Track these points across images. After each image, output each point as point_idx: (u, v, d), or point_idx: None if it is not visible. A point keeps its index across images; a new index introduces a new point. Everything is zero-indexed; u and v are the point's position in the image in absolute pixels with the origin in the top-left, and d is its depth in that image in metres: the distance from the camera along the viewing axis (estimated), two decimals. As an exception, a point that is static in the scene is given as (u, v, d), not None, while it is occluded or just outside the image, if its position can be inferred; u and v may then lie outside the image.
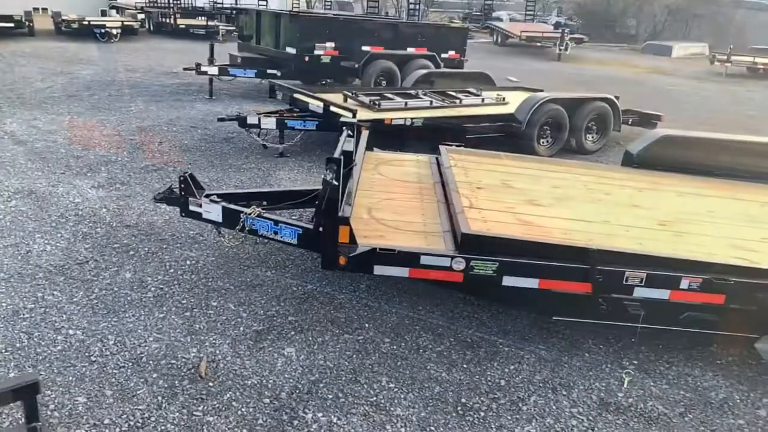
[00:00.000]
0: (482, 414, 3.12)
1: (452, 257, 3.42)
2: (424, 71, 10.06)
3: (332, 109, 7.18)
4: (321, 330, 3.78)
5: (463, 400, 3.21)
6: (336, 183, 3.17)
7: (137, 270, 4.39)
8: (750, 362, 3.66)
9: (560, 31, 24.00)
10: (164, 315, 3.82)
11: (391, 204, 4.25)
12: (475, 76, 10.47)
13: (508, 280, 3.45)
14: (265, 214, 4.22)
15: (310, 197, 4.64)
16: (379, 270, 3.46)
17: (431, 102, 8.34)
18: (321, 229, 3.56)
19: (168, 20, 22.70)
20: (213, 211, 4.36)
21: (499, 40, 26.82)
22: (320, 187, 5.04)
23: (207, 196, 4.45)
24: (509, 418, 3.10)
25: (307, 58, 10.98)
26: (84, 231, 4.98)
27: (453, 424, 3.03)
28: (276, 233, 4.15)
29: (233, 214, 4.28)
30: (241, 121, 7.24)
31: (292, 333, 3.73)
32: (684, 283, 3.41)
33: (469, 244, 3.42)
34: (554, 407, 3.20)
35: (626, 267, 3.36)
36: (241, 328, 3.74)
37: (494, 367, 3.51)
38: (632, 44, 33.90)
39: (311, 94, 7.73)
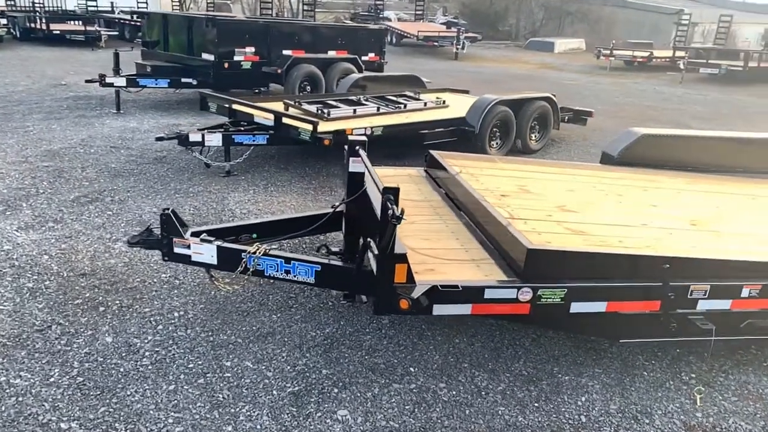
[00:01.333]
0: (579, 460, 2.83)
1: (519, 287, 3.09)
2: (359, 75, 9.66)
3: (285, 121, 6.60)
4: (365, 382, 3.30)
5: (553, 446, 2.90)
6: (400, 217, 2.71)
7: (118, 331, 3.65)
8: (791, 361, 3.67)
9: (456, 30, 24.48)
10: (174, 386, 3.16)
11: (415, 229, 3.85)
12: (405, 78, 10.22)
13: (576, 307, 3.18)
14: (273, 251, 3.66)
15: (315, 226, 4.13)
16: (439, 310, 3.05)
17: (378, 108, 7.97)
18: (376, 268, 3.07)
19: (38, 26, 20.42)
20: (206, 252, 3.72)
21: (394, 40, 26.89)
22: (319, 212, 4.59)
23: (195, 234, 3.80)
24: (608, 460, 2.84)
25: (226, 65, 10.18)
26: (29, 286, 4.10)
27: (556, 478, 2.71)
28: (288, 272, 3.61)
29: (232, 255, 3.68)
30: (182, 139, 6.44)
31: (335, 390, 3.22)
32: (745, 292, 3.33)
33: (535, 262, 3.10)
34: (644, 440, 2.98)
35: (697, 278, 3.22)
36: (274, 392, 3.18)
37: (566, 402, 3.23)
38: (516, 41, 35.53)
39: (255, 104, 7.08)
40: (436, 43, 24.64)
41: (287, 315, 3.95)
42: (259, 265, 3.64)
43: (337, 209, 4.05)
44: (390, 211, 2.68)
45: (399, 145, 7.63)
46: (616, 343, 3.63)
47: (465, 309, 3.10)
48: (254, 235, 4.23)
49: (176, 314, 3.88)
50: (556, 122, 8.92)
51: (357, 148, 3.79)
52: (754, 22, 31.80)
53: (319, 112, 7.33)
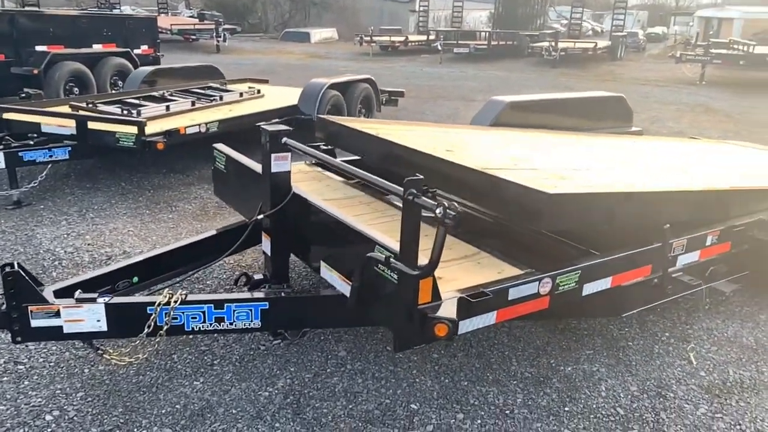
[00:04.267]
0: (648, 460, 2.47)
1: (539, 279, 2.60)
2: (149, 69, 8.15)
3: (93, 126, 5.12)
4: (374, 440, 2.52)
5: (633, 428, 2.50)
6: (457, 216, 1.97)
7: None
8: None
9: (214, 22, 22.93)
10: None
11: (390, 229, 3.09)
12: (202, 69, 8.99)
13: (588, 288, 2.81)
14: (193, 297, 2.64)
15: (234, 249, 3.13)
16: (464, 327, 2.39)
17: (192, 102, 6.78)
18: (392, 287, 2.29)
19: None
20: (88, 318, 2.55)
21: (142, 35, 24.23)
22: (212, 234, 3.50)
23: (60, 293, 2.58)
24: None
25: (-39, 67, 7.79)
26: None
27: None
28: (220, 321, 2.65)
29: (132, 313, 2.58)
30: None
31: (346, 463, 2.38)
32: (708, 240, 3.32)
33: (559, 210, 2.61)
34: (681, 412, 2.74)
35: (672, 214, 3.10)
36: (268, 493, 2.22)
37: (591, 396, 2.85)
38: (268, 33, 34.92)
39: (42, 110, 5.40)
40: (194, 37, 22.81)
41: (214, 377, 2.91)
42: (176, 319, 2.60)
43: (253, 222, 3.09)
44: (439, 211, 1.94)
45: (234, 141, 6.56)
46: (618, 317, 3.37)
47: (490, 319, 2.50)
48: (134, 280, 3.07)
49: (46, 419, 2.58)
50: (378, 104, 8.63)
51: (283, 140, 2.89)
52: (479, 9, 35.96)
53: (125, 112, 5.91)
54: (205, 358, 3.06)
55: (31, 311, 2.48)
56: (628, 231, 3.02)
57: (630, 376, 3.02)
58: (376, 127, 4.03)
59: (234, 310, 2.67)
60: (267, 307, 2.70)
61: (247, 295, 2.75)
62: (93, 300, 2.55)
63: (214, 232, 3.55)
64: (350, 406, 2.74)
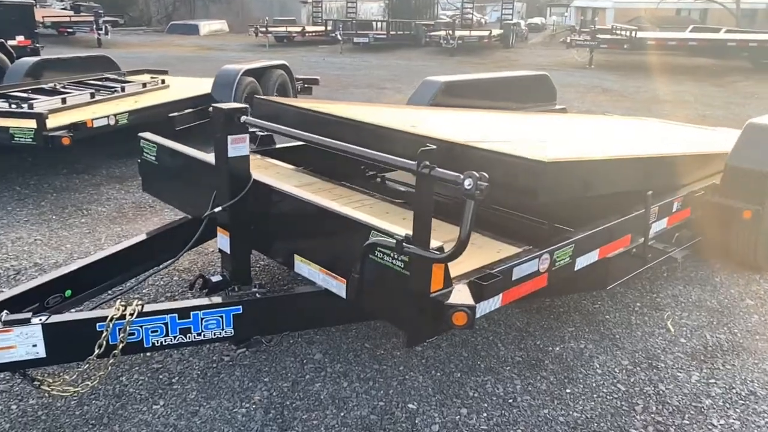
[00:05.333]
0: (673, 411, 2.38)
1: (539, 256, 2.44)
2: (36, 59, 7.23)
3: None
4: (379, 449, 2.24)
5: (638, 403, 2.38)
6: (482, 196, 1.70)
7: None
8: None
9: (93, 13, 21.13)
10: None
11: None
12: (95, 60, 8.13)
13: (580, 262, 2.69)
14: (151, 307, 2.25)
15: (190, 245, 2.73)
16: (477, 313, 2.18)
17: (92, 94, 6.06)
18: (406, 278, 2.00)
19: None
20: (21, 343, 2.10)
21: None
22: (145, 235, 3.03)
23: None
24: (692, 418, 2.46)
25: None
26: None
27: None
28: (186, 332, 2.28)
29: (78, 332, 2.16)
30: None
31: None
32: (675, 206, 3.33)
33: (554, 179, 2.44)
34: (677, 381, 2.69)
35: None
36: None
37: (588, 375, 2.73)
38: (152, 26, 32.91)
39: None
40: (70, 30, 20.90)
41: (176, 397, 2.50)
42: (133, 334, 2.19)
43: (207, 216, 2.69)
44: (469, 183, 1.68)
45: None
46: (604, 290, 3.27)
47: (496, 303, 2.31)
48: (67, 293, 2.59)
49: (-25, 473, 2.08)
50: (294, 92, 8.23)
51: (242, 118, 2.51)
52: (370, 0, 35.92)
53: (15, 107, 5.15)
54: (161, 376, 2.63)
55: (-57, 342, 1.98)
56: (598, 202, 2.94)
57: (618, 350, 2.95)
58: (321, 106, 3.72)
59: (202, 319, 2.29)
60: (240, 311, 2.34)
61: (216, 299, 2.37)
62: (26, 321, 2.08)
63: (147, 235, 3.08)
64: (342, 414, 2.44)
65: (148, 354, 2.73)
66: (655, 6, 31.46)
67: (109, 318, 2.14)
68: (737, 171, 3.54)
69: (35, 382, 2.20)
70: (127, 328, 2.17)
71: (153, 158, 3.30)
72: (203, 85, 7.17)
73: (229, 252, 2.70)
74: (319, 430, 2.34)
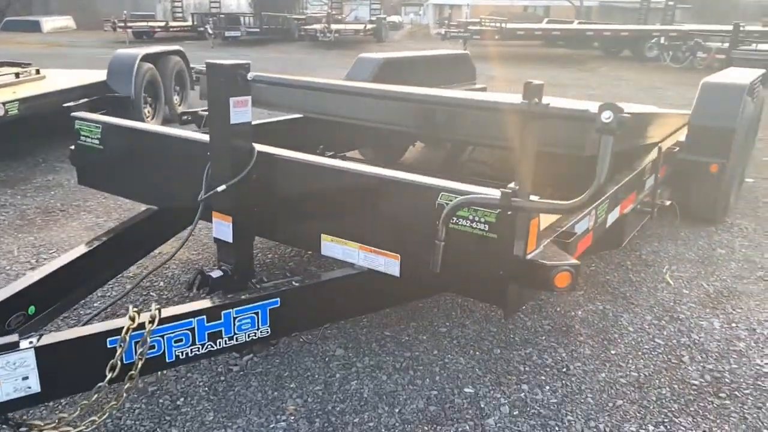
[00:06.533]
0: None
1: (589, 213, 2.29)
2: None
3: None
4: (459, 442, 1.95)
5: (683, 355, 2.31)
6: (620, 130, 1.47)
7: None
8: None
9: None
10: None
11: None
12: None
13: (610, 219, 2.59)
14: (171, 310, 1.82)
15: (183, 240, 2.26)
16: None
17: (-42, 86, 5.06)
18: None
19: None
20: (8, 377, 1.58)
21: None
22: (113, 231, 2.47)
23: None
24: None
25: None
26: None
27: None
28: (217, 337, 1.87)
29: (85, 354, 1.68)
30: None
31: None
32: (661, 161, 3.35)
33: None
34: (704, 329, 2.69)
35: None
36: None
37: (625, 334, 2.64)
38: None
39: None
40: None
41: (191, 421, 2.04)
42: (153, 347, 1.74)
43: (204, 199, 2.23)
44: (607, 116, 1.45)
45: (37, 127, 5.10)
46: (619, 248, 3.18)
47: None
48: (31, 310, 2.05)
49: None
50: (191, 81, 7.53)
51: (250, 75, 2.09)
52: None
53: None
54: (162, 401, 2.14)
55: None
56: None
57: (635, 307, 2.90)
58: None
59: (234, 318, 1.88)
60: (278, 304, 1.94)
61: (253, 294, 1.94)
62: (13, 346, 1.54)
63: (111, 234, 2.53)
64: (397, 410, 2.12)
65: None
66: (509, 3, 33.50)
67: (125, 330, 1.66)
68: (700, 128, 3.66)
69: (22, 429, 1.65)
70: (148, 340, 1.70)
71: (96, 142, 2.72)
72: (89, 76, 6.30)
73: (231, 241, 2.26)
74: (380, 432, 2.02)
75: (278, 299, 1.93)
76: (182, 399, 2.15)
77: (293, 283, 2.02)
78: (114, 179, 2.78)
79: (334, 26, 20.84)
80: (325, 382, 2.27)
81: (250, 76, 2.11)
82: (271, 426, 2.03)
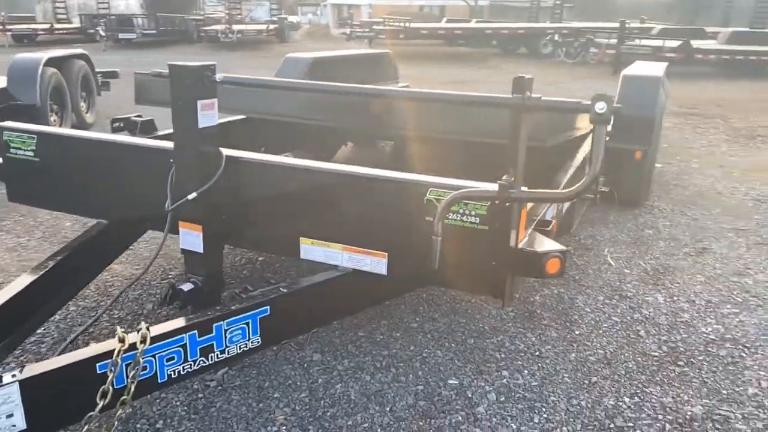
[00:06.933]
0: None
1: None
2: None
3: None
4: (456, 433, 1.98)
5: (639, 330, 2.48)
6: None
7: None
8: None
9: None
10: None
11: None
12: None
13: (564, 207, 2.72)
14: (160, 328, 1.74)
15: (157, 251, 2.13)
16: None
17: None
18: None
19: None
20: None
21: None
22: (65, 252, 2.27)
23: None
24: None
25: None
26: None
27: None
28: (208, 351, 1.82)
29: (73, 382, 1.57)
30: None
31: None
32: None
33: None
34: (648, 303, 2.89)
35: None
36: None
37: (585, 315, 2.79)
38: None
39: None
40: None
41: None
42: (145, 368, 1.65)
43: (173, 208, 2.12)
44: (600, 106, 1.53)
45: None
46: (569, 233, 3.31)
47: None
48: None
49: None
50: (97, 86, 7.09)
51: (218, 77, 2.00)
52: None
53: None
54: (139, 426, 2.01)
55: None
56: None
57: (587, 288, 3.07)
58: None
59: (225, 331, 1.80)
60: (268, 313, 1.89)
61: (243, 304, 1.86)
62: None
63: (59, 256, 2.33)
64: (388, 408, 2.12)
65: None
66: (407, 3, 34.15)
67: (116, 352, 1.55)
68: (624, 118, 3.92)
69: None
70: (141, 361, 1.59)
71: (30, 154, 2.51)
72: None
73: (202, 251, 2.16)
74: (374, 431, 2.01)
75: (268, 307, 1.88)
76: (161, 422, 2.03)
77: (281, 289, 1.96)
78: (54, 194, 2.56)
79: (236, 27, 20.30)
80: (309, 389, 2.22)
81: (218, 77, 2.02)
82: (264, 439, 1.97)
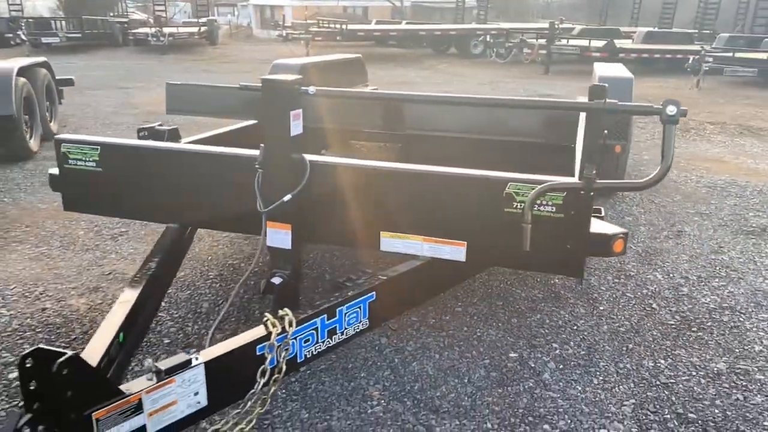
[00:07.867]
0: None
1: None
2: None
3: None
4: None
5: (651, 303, 2.87)
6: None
7: None
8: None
9: None
10: None
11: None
12: None
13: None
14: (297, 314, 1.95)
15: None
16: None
17: None
18: None
19: None
20: (182, 395, 1.64)
21: None
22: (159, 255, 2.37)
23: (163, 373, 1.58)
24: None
25: None
26: None
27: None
28: (332, 334, 2.06)
29: (240, 364, 1.78)
30: None
31: None
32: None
33: None
34: (650, 281, 3.30)
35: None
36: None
37: (604, 292, 3.15)
38: None
39: None
40: None
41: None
42: (290, 350, 1.86)
43: (268, 210, 2.29)
44: (671, 109, 1.86)
45: None
46: None
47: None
48: (121, 338, 2.00)
49: None
50: (59, 94, 6.90)
51: (310, 90, 2.20)
52: None
53: None
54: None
55: (97, 419, 1.37)
56: None
57: (596, 270, 3.43)
58: None
59: (345, 314, 2.01)
60: (374, 298, 2.11)
61: (355, 290, 2.07)
62: (186, 364, 1.55)
63: (159, 255, 2.45)
64: (465, 380, 2.38)
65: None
66: (332, 3, 34.33)
67: (273, 335, 1.73)
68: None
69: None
70: (290, 343, 1.78)
71: (92, 165, 2.58)
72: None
73: (290, 248, 2.34)
74: (462, 401, 2.26)
75: (374, 293, 2.09)
76: (269, 402, 2.20)
77: (380, 276, 2.18)
78: (119, 201, 2.65)
79: (167, 29, 19.79)
80: (389, 367, 2.45)
81: (311, 90, 2.22)
82: (369, 411, 2.18)
